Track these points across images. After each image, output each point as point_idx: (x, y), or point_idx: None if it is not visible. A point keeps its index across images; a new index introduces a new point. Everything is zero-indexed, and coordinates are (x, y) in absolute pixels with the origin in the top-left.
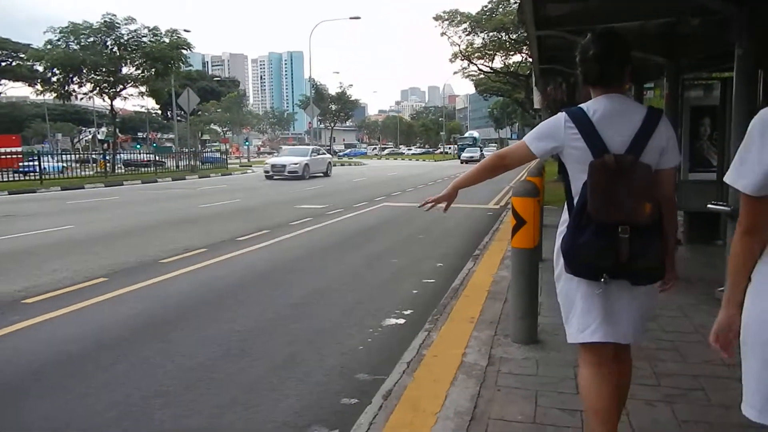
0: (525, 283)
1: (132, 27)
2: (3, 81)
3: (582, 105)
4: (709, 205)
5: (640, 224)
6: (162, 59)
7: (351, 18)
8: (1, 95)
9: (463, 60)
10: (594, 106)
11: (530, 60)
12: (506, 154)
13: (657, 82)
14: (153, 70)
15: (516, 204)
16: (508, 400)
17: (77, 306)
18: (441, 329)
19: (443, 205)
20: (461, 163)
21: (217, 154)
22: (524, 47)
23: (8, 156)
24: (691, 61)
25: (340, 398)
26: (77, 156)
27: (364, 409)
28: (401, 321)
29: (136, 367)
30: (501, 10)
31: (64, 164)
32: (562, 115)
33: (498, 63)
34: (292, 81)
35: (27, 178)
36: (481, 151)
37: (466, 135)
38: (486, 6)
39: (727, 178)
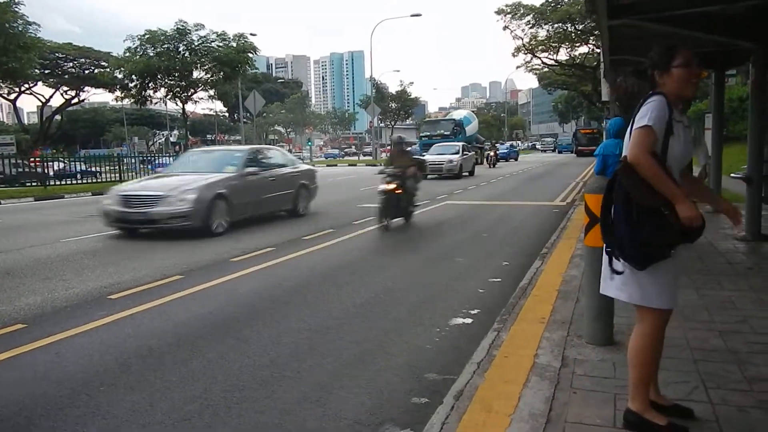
0: (599, 282)
1: (202, 33)
2: (86, 88)
3: None
4: None
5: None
6: (230, 63)
7: (412, 15)
8: (85, 102)
9: (526, 54)
10: None
11: (598, 51)
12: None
13: (739, 69)
14: (221, 73)
15: (589, 201)
16: (585, 403)
17: (157, 302)
18: (510, 329)
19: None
20: None
21: None
22: (591, 38)
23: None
24: None
25: (410, 397)
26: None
27: (435, 409)
28: (468, 320)
29: (212, 363)
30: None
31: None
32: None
33: (563, 55)
34: (353, 80)
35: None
36: (465, 151)
37: (440, 118)
38: None
39: None
